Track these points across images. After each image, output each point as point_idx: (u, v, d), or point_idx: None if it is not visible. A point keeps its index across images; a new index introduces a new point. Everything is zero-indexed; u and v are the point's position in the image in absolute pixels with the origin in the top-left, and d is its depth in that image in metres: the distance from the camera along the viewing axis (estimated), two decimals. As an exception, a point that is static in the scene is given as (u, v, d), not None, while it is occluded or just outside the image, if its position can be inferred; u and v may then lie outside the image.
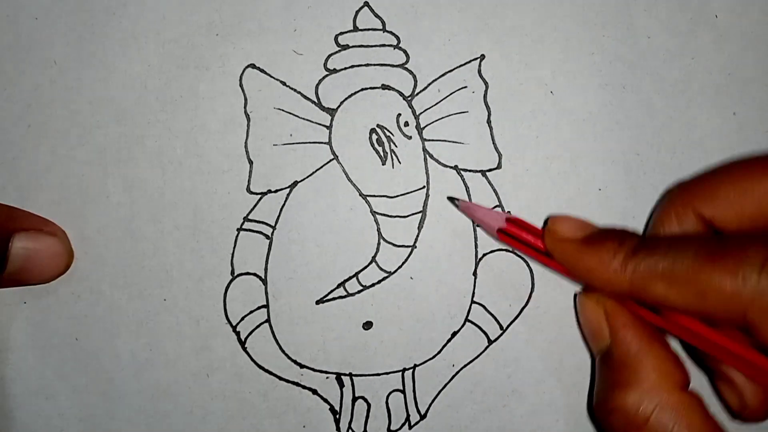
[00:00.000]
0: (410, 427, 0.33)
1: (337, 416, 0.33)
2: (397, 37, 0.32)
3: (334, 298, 0.32)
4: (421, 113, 0.33)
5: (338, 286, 0.32)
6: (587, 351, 0.33)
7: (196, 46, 0.32)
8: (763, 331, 0.26)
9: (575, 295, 0.32)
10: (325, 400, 0.33)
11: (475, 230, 0.33)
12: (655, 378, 0.28)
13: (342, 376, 0.33)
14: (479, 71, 0.33)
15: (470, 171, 0.33)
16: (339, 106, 0.32)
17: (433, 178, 0.33)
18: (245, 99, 0.32)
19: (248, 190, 0.32)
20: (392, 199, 0.32)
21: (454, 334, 0.33)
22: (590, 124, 0.33)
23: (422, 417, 0.33)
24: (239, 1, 0.32)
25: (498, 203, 0.33)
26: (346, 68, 0.32)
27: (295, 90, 0.32)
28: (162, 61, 0.32)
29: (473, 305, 0.33)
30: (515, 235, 0.30)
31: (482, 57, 0.33)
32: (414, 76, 0.32)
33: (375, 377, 0.33)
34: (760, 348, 0.27)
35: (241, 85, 0.32)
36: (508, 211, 0.32)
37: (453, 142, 0.33)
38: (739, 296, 0.26)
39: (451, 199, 0.32)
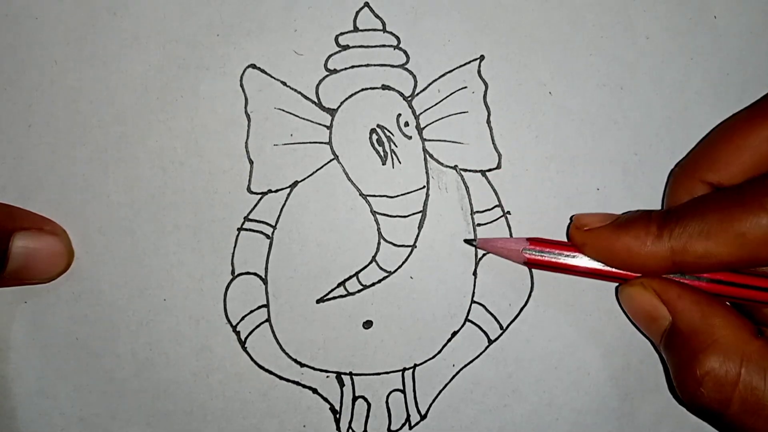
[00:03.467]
0: (410, 427, 0.33)
1: (338, 415, 0.33)
2: (398, 38, 0.32)
3: (334, 298, 0.32)
4: (421, 113, 0.33)
5: (338, 285, 0.32)
6: (587, 351, 0.33)
7: (196, 46, 0.32)
8: None
9: (616, 289, 0.32)
10: (326, 400, 0.33)
11: (475, 230, 0.33)
12: (730, 333, 0.28)
13: (342, 376, 0.33)
14: (479, 72, 0.33)
15: (470, 171, 0.33)
16: (339, 107, 0.32)
17: (432, 178, 0.33)
18: (246, 99, 0.32)
19: (249, 189, 0.32)
20: (392, 198, 0.32)
21: (454, 333, 0.33)
22: (589, 125, 0.33)
23: (422, 417, 0.33)
24: (240, 2, 0.32)
25: (498, 203, 0.33)
26: (346, 68, 0.32)
27: (295, 90, 0.32)
28: (163, 62, 0.32)
29: (473, 305, 0.33)
30: (542, 250, 0.31)
31: (482, 57, 0.33)
32: (414, 77, 0.33)
33: (375, 377, 0.33)
34: None
35: (241, 86, 0.32)
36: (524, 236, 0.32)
37: (453, 142, 0.33)
38: None
39: (468, 242, 0.32)
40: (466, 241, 0.32)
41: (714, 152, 0.30)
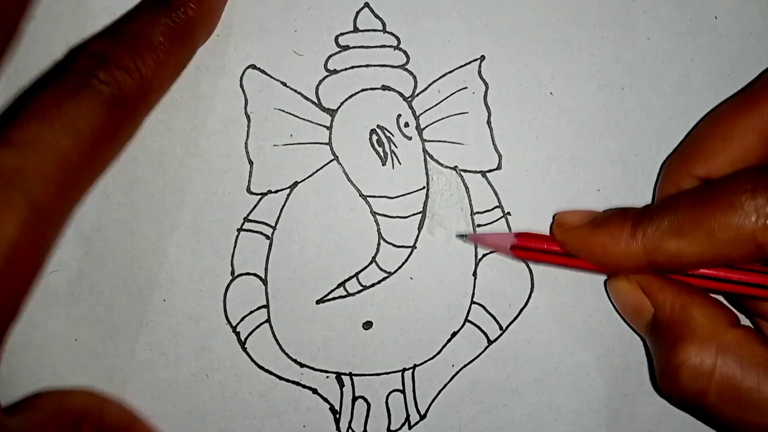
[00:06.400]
0: (410, 427, 0.33)
1: (337, 416, 0.33)
2: (398, 38, 0.32)
3: (334, 298, 0.32)
4: (422, 114, 0.33)
5: (338, 286, 0.32)
6: (587, 351, 0.33)
7: (196, 46, 0.32)
8: None
9: (605, 284, 0.32)
10: (325, 400, 0.33)
11: (474, 230, 0.33)
12: (708, 323, 0.28)
13: (342, 376, 0.33)
14: (479, 72, 0.33)
15: (470, 172, 0.33)
16: (339, 107, 0.32)
17: (432, 179, 0.33)
18: (245, 99, 0.32)
19: (248, 190, 0.32)
20: (392, 199, 0.32)
21: (454, 334, 0.33)
22: (590, 125, 0.33)
23: (422, 417, 0.33)
24: (239, 2, 0.32)
25: (498, 203, 0.33)
26: (346, 69, 0.32)
27: (295, 90, 0.32)
28: (162, 62, 0.32)
29: (473, 305, 0.33)
30: (528, 246, 0.31)
31: (482, 58, 0.33)
32: (414, 77, 0.33)
33: (375, 377, 0.33)
34: None
35: (241, 86, 0.32)
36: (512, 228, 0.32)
37: (453, 142, 0.33)
38: (744, 224, 0.26)
39: (460, 236, 0.32)
40: (458, 236, 0.32)
41: (700, 144, 0.30)
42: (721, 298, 0.31)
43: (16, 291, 0.26)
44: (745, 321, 0.31)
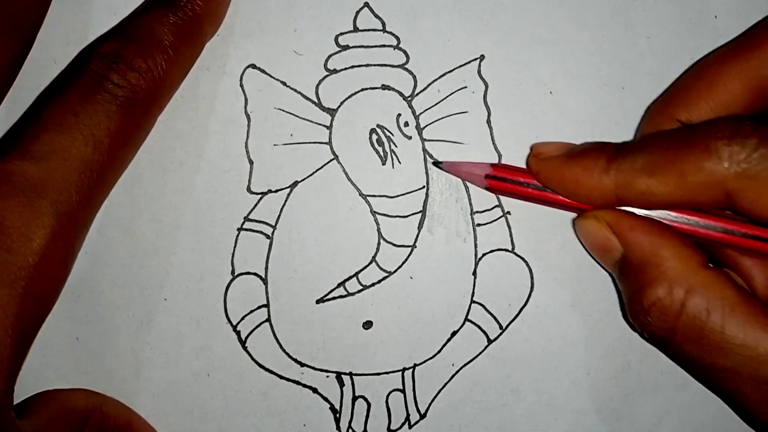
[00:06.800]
0: (410, 427, 0.33)
1: (338, 415, 0.33)
2: (397, 38, 0.32)
3: (334, 298, 0.32)
4: (421, 113, 0.33)
5: (338, 285, 0.32)
6: (587, 351, 0.33)
7: (196, 46, 0.32)
8: (746, 199, 0.26)
9: (573, 222, 0.32)
10: (326, 399, 0.33)
11: (474, 230, 0.33)
12: (677, 264, 0.28)
13: (342, 375, 0.33)
14: (479, 71, 0.33)
15: (470, 171, 0.33)
16: (339, 107, 0.32)
17: (432, 178, 0.33)
18: (246, 99, 0.32)
19: (249, 190, 0.32)
20: (392, 199, 0.32)
21: (454, 333, 0.33)
22: (589, 125, 0.33)
23: (422, 416, 0.33)
24: (239, 1, 0.32)
25: (498, 203, 0.33)
26: (346, 68, 0.32)
27: (295, 90, 0.32)
28: (162, 61, 0.32)
29: (473, 305, 0.33)
30: (502, 176, 0.30)
31: (482, 57, 0.33)
32: (414, 77, 0.33)
33: (375, 377, 0.33)
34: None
35: (241, 86, 0.32)
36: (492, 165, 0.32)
37: (453, 142, 0.33)
38: (717, 169, 0.26)
39: (436, 164, 0.32)
40: (434, 163, 0.32)
41: (686, 89, 0.30)
42: None
43: (46, 296, 0.27)
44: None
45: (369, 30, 0.32)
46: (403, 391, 0.33)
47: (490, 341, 0.33)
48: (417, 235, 0.33)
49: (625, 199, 0.28)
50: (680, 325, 0.28)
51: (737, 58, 0.29)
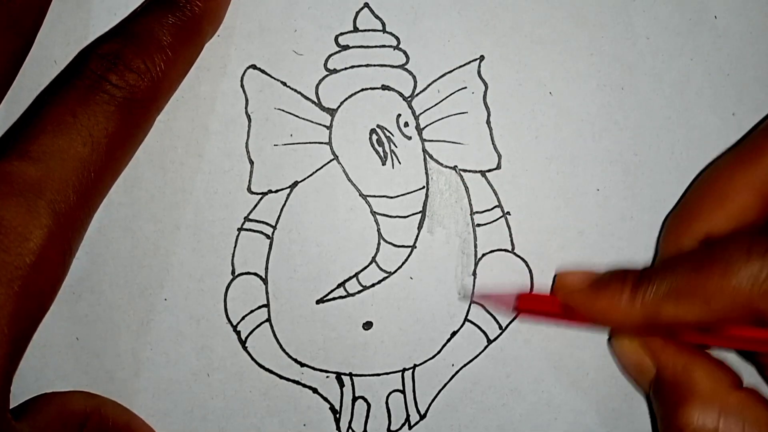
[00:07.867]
0: (410, 427, 0.33)
1: (338, 415, 0.33)
2: (397, 38, 0.32)
3: (334, 298, 0.32)
4: (421, 114, 0.33)
5: (338, 286, 0.32)
6: (586, 351, 0.33)
7: (196, 46, 0.32)
8: None
9: (608, 342, 0.32)
10: (326, 399, 0.33)
11: (474, 230, 0.33)
12: (710, 385, 0.28)
13: (342, 376, 0.33)
14: (479, 72, 0.33)
15: (470, 171, 0.33)
16: (339, 107, 0.32)
17: (432, 179, 0.33)
18: (246, 99, 0.32)
19: (249, 190, 0.32)
20: (392, 199, 0.32)
21: (454, 334, 0.33)
22: (589, 125, 0.33)
23: (422, 417, 0.33)
24: (239, 2, 0.32)
25: (498, 203, 0.33)
26: (346, 69, 0.32)
27: (295, 90, 0.32)
28: (162, 62, 0.32)
29: (473, 305, 0.33)
30: (529, 309, 0.31)
31: (482, 58, 0.33)
32: (414, 77, 0.33)
33: (375, 377, 0.33)
34: None
35: (242, 86, 0.32)
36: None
37: (453, 142, 0.33)
38: (740, 289, 0.26)
39: (462, 298, 0.33)
40: (460, 297, 0.33)
41: (698, 203, 0.30)
42: (728, 355, 0.31)
43: (43, 296, 0.27)
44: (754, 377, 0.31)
45: (369, 30, 0.32)
46: (403, 391, 0.33)
47: (489, 341, 0.33)
48: (417, 236, 0.33)
49: (655, 325, 0.28)
50: None
51: (744, 168, 0.29)
